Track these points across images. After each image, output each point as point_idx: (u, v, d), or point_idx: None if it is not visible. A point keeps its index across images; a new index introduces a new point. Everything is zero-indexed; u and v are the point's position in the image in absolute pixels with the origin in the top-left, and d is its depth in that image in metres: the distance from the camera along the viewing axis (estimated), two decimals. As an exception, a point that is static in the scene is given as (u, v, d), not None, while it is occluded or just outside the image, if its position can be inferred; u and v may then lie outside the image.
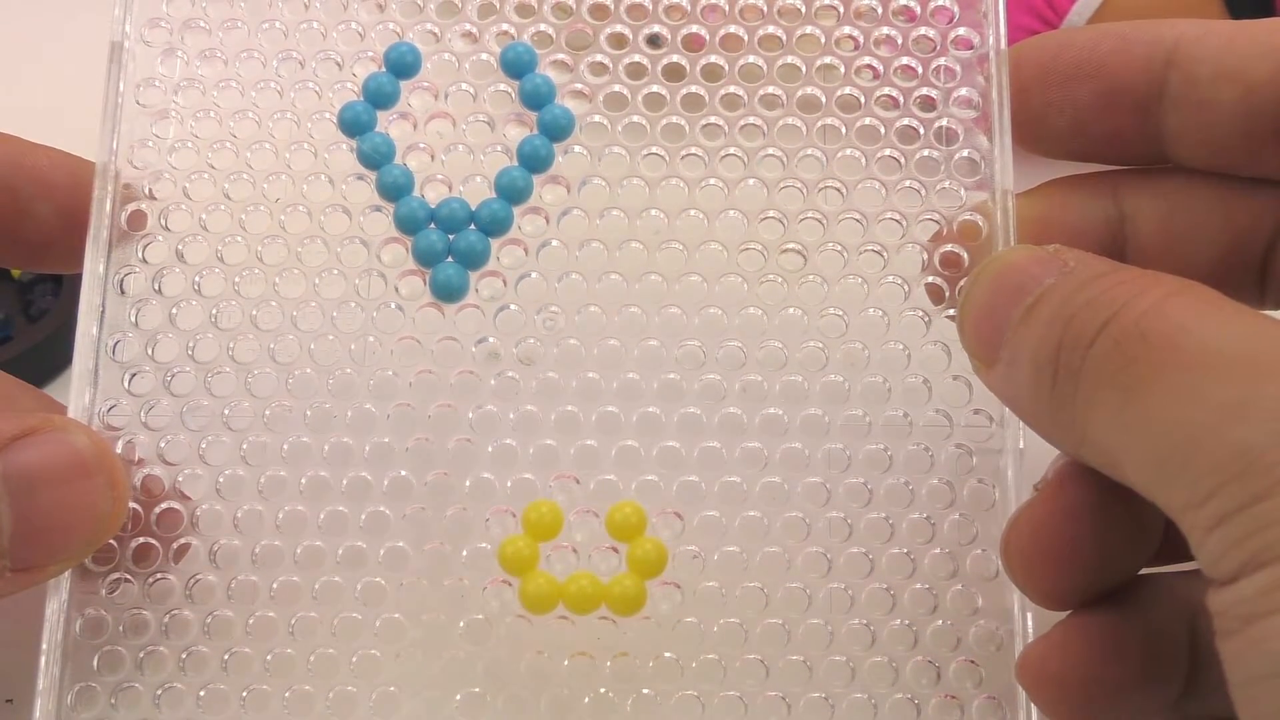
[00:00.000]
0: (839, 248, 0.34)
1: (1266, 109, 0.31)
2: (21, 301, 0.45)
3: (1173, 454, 0.24)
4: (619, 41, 0.35)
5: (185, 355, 0.33)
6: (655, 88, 0.35)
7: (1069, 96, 0.33)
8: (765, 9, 0.35)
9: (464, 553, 0.33)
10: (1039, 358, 0.28)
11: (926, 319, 0.34)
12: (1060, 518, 0.29)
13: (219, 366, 0.33)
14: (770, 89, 0.34)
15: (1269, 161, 0.32)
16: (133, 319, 0.34)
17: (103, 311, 0.33)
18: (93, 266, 0.33)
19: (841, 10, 0.35)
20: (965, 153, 0.34)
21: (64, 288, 0.45)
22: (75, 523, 0.31)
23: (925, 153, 0.34)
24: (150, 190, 0.34)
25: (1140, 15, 0.43)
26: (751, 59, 0.35)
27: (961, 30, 0.34)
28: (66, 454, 0.31)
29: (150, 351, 0.33)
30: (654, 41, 0.35)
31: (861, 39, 0.35)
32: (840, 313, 0.34)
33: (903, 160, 0.34)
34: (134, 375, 0.33)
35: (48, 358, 0.43)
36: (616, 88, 0.35)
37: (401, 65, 0.34)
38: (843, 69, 0.34)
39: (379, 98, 0.34)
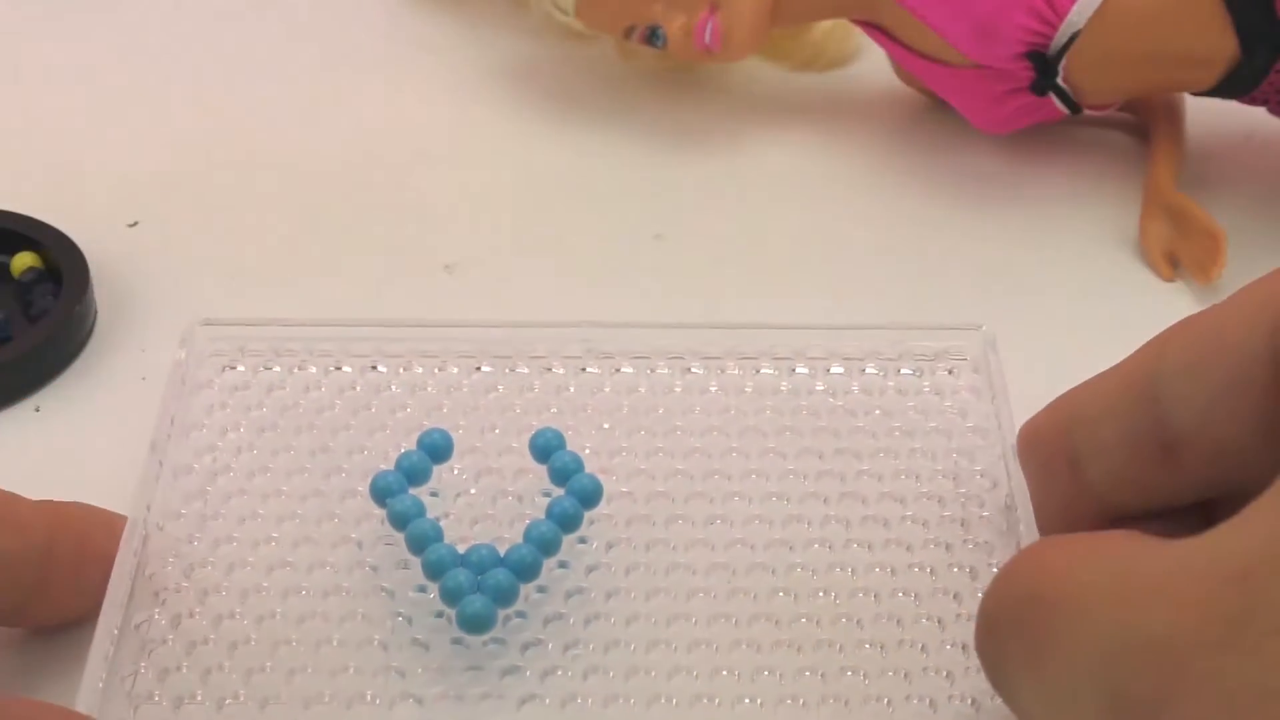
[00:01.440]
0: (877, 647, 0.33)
1: (1139, 438, 0.31)
2: (21, 301, 0.43)
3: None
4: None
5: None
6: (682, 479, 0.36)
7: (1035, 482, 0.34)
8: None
9: None
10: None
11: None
12: None
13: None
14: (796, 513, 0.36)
15: (1170, 484, 0.31)
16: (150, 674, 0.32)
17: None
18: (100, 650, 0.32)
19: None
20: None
21: (64, 288, 0.43)
22: None
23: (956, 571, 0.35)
24: (179, 585, 0.34)
25: (1141, 17, 0.45)
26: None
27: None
28: None
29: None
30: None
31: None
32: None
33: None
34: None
35: (48, 359, 0.41)
36: (642, 467, 0.36)
37: (434, 449, 0.36)
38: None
39: (412, 474, 0.35)
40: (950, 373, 0.38)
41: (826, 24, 0.55)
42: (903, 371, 0.39)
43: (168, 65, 0.55)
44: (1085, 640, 0.24)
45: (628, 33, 0.51)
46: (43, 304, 0.43)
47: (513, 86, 0.55)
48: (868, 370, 0.39)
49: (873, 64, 0.55)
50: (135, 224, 0.43)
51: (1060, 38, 0.46)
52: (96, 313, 0.44)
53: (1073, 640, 0.24)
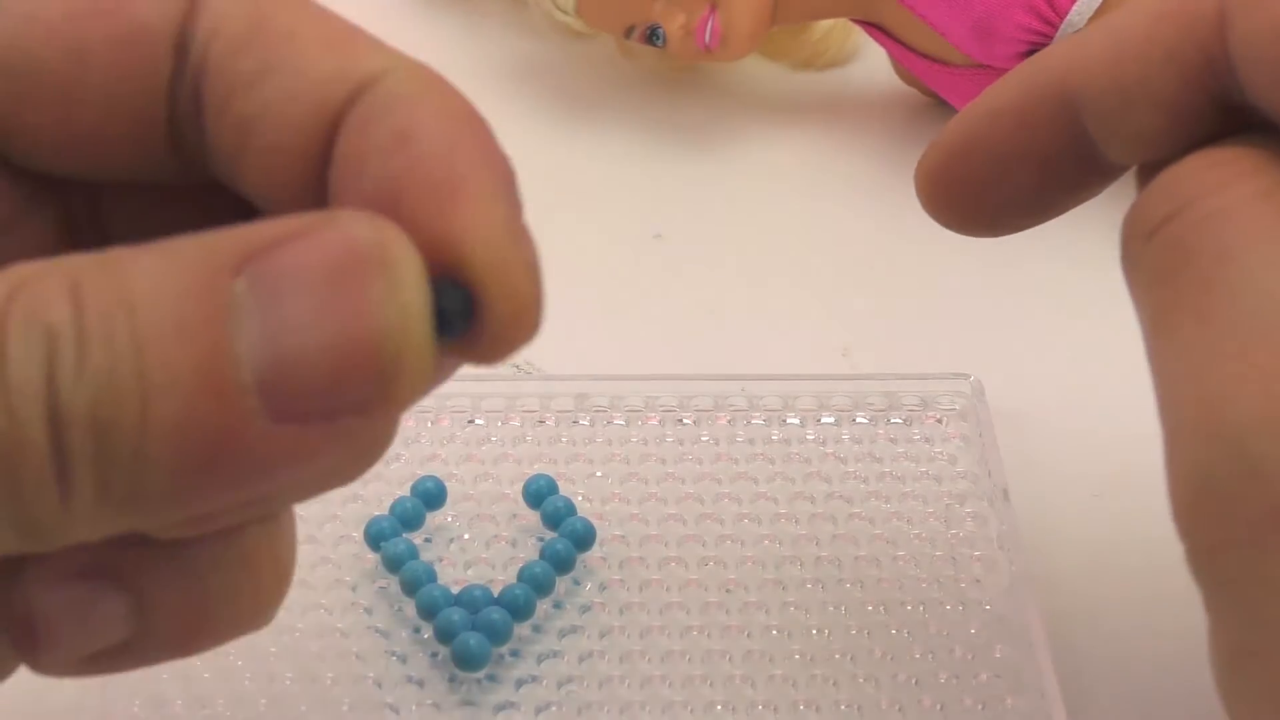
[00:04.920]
0: None
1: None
2: None
3: (1173, 418, 0.21)
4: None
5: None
6: (675, 523, 0.36)
7: None
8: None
9: None
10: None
11: None
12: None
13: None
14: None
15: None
16: None
17: None
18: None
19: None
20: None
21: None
22: (351, 339, 0.19)
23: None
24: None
25: None
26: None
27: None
28: (337, 249, 0.19)
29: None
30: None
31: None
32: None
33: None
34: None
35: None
36: (635, 512, 0.36)
37: (428, 496, 0.36)
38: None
39: (405, 519, 0.35)
40: (939, 421, 0.39)
41: (826, 23, 0.55)
42: (892, 420, 0.39)
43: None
44: (1222, 362, 0.20)
45: (628, 32, 0.51)
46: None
47: (513, 86, 0.56)
48: (858, 419, 0.39)
49: (873, 64, 0.56)
50: None
51: (1061, 37, 0.45)
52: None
53: (1212, 353, 0.20)
